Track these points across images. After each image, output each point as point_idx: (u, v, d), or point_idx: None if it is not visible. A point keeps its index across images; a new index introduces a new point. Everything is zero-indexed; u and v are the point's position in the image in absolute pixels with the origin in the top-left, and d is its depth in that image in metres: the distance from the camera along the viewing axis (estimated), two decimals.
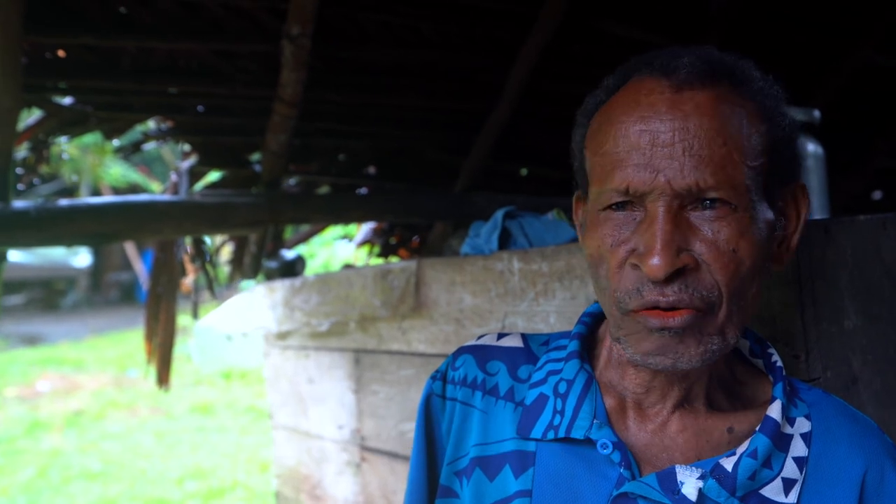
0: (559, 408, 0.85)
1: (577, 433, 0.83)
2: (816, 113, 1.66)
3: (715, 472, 0.77)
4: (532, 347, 0.94)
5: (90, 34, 2.18)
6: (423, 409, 0.96)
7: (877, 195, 3.98)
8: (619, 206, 0.77)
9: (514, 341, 0.95)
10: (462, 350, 0.96)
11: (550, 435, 0.84)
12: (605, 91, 0.83)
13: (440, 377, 0.96)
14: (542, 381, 0.89)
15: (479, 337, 0.98)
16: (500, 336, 0.96)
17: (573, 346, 0.89)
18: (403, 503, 0.99)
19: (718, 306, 0.75)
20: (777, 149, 0.79)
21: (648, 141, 0.74)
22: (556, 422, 0.85)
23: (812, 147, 1.63)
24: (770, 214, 0.78)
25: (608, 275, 0.78)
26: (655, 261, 0.72)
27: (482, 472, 0.86)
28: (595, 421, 0.83)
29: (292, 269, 2.85)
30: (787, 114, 0.82)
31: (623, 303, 0.76)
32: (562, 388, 0.86)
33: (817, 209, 1.62)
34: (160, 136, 2.66)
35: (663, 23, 2.90)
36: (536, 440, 0.85)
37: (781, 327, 1.09)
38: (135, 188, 14.27)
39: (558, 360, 0.90)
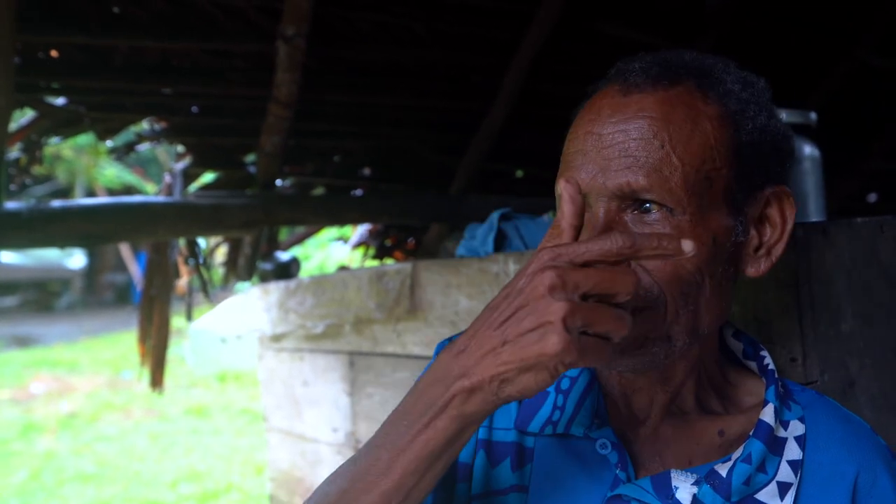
0: (560, 403, 0.85)
1: (577, 430, 0.82)
2: (813, 115, 1.66)
3: (710, 478, 0.77)
4: None
5: (83, 33, 2.17)
6: None
7: (871, 197, 3.99)
8: None
9: None
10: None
11: (548, 430, 0.84)
12: (585, 98, 0.85)
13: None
14: None
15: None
16: None
17: None
18: None
19: (663, 305, 0.75)
20: (742, 154, 0.78)
21: (592, 143, 0.78)
22: (555, 417, 0.84)
23: (808, 149, 1.62)
24: (729, 220, 0.78)
25: None
26: None
27: (486, 456, 0.86)
28: (595, 420, 0.83)
29: (287, 270, 2.83)
30: (757, 119, 0.80)
31: None
32: (564, 384, 0.86)
33: (814, 211, 1.62)
34: (154, 136, 2.64)
35: (660, 24, 2.90)
36: (534, 434, 0.85)
37: (778, 330, 1.08)
38: (129, 189, 14.22)
39: None
